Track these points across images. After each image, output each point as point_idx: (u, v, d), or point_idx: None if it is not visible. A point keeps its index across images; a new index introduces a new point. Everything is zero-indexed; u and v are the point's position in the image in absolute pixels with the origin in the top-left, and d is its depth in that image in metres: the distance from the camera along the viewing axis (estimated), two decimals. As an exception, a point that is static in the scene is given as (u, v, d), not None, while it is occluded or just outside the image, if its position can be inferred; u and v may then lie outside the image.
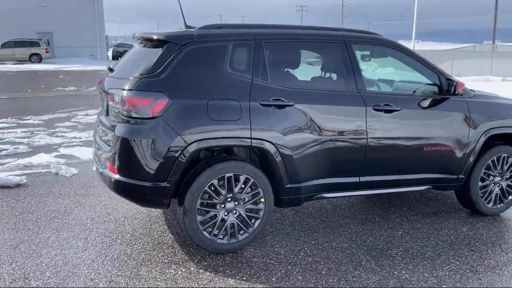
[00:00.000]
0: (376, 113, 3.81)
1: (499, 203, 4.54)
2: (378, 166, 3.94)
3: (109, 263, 3.36)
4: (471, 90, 4.41)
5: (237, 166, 3.43)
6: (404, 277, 3.28)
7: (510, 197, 4.59)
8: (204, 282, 3.13)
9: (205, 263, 3.39)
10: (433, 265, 3.46)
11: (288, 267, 3.37)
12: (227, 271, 3.29)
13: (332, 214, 4.45)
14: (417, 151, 4.04)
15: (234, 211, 3.50)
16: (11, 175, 5.35)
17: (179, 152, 3.25)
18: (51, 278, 3.12)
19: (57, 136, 8.07)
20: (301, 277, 3.23)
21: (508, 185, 4.56)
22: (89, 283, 3.07)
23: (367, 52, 4.28)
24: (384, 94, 4.04)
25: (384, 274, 3.31)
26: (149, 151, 3.24)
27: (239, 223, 3.52)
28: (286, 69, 3.88)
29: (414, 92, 4.23)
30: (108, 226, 4.01)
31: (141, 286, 3.06)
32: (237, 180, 3.45)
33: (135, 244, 3.68)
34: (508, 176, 4.55)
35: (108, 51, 44.96)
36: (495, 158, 4.42)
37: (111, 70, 3.93)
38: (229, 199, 3.46)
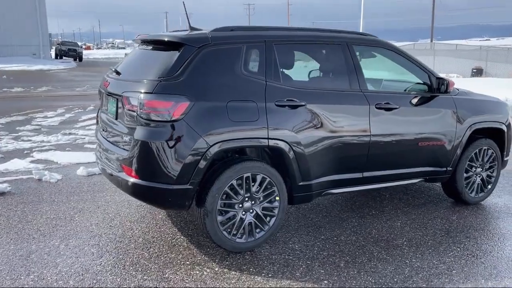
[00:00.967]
0: (378, 111, 4.01)
1: (480, 192, 4.91)
2: (379, 162, 4.15)
3: (131, 268, 3.32)
4: (456, 88, 4.73)
5: (254, 166, 3.50)
6: (416, 265, 3.49)
7: (489, 186, 4.97)
8: (232, 282, 3.18)
9: (227, 263, 3.44)
10: (438, 253, 3.71)
11: (308, 262, 3.49)
12: (251, 269, 3.35)
13: (331, 209, 4.62)
14: (413, 146, 4.29)
15: (251, 210, 3.57)
16: (-7, 183, 5.09)
17: (202, 154, 3.28)
18: (76, 287, 3.06)
19: (23, 141, 7.73)
20: (323, 271, 3.36)
21: (487, 175, 4.93)
22: (117, 289, 3.04)
23: (367, 53, 4.47)
24: (383, 93, 4.25)
25: (398, 263, 3.51)
26: (172, 154, 3.24)
27: (256, 221, 3.60)
28: (295, 70, 3.98)
29: (405, 90, 4.48)
30: (116, 231, 3.95)
31: (171, 289, 3.07)
32: (254, 180, 3.52)
33: (150, 247, 3.65)
34: (488, 167, 4.92)
35: (51, 50, 43.07)
36: (477, 150, 4.77)
37: (117, 72, 3.86)
38: (246, 199, 3.53)
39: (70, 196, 4.86)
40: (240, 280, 3.20)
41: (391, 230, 4.15)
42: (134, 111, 3.35)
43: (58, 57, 40.27)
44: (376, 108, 4.00)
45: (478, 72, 25.55)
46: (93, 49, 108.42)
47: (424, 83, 4.44)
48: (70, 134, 8.40)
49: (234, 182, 3.43)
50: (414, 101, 4.27)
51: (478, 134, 4.79)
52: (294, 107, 3.62)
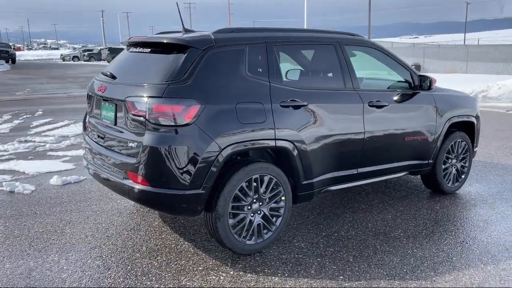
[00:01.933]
0: (370, 108, 4.15)
1: (455, 182, 5.21)
2: (371, 158, 4.29)
3: (144, 278, 3.22)
4: None
5: (262, 167, 3.50)
6: (418, 255, 3.65)
7: (463, 176, 5.30)
8: (251, 284, 3.17)
9: (240, 266, 3.42)
10: (434, 241, 3.90)
11: (318, 259, 3.55)
12: (266, 271, 3.36)
13: (324, 206, 4.72)
14: (401, 141, 4.48)
15: (259, 212, 3.58)
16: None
17: (214, 157, 3.24)
18: (92, 302, 2.92)
19: (-24, 151, 7.21)
20: (335, 267, 3.43)
21: (461, 166, 5.25)
22: (136, 301, 2.94)
23: (355, 53, 4.59)
24: (374, 91, 4.39)
25: (401, 254, 3.65)
26: (184, 159, 3.17)
27: (264, 222, 3.61)
28: (294, 71, 4.03)
29: (388, 88, 4.67)
30: (116, 242, 3.80)
31: (192, 297, 3.01)
32: (262, 181, 3.53)
33: (157, 256, 3.56)
34: (461, 158, 5.23)
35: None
36: (453, 143, 5.06)
37: (112, 76, 3.70)
38: (254, 200, 3.53)
39: (52, 207, 4.61)
40: (259, 281, 3.20)
41: (384, 222, 4.31)
42: (141, 116, 3.24)
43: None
44: (369, 106, 4.14)
45: (416, 69, 26.85)
46: (23, 50, 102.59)
47: (406, 81, 4.64)
48: (26, 141, 7.93)
49: (243, 184, 3.42)
50: (400, 98, 4.45)
51: (453, 127, 5.08)
52: (297, 107, 3.66)
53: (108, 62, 45.22)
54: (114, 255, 3.56)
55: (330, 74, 4.10)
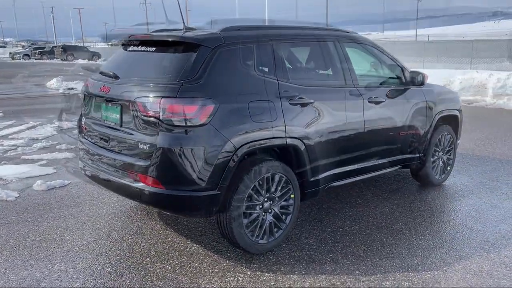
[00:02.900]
0: (370, 105, 4.22)
1: (442, 174, 5.40)
2: (370, 153, 4.37)
3: (161, 283, 3.14)
4: None
5: (273, 166, 3.49)
6: (424, 246, 3.76)
7: (448, 168, 5.49)
8: (271, 283, 3.16)
9: (256, 266, 3.40)
10: (435, 232, 4.02)
11: (330, 255, 3.58)
12: (282, 269, 3.36)
13: (322, 202, 4.76)
14: (396, 136, 4.59)
15: (270, 210, 3.57)
16: None
17: (230, 157, 3.19)
18: (113, 311, 2.82)
19: None
20: (348, 262, 3.47)
21: (447, 158, 5.44)
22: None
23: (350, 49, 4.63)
24: (371, 87, 4.45)
25: (408, 246, 3.74)
26: (200, 160, 3.11)
27: (275, 221, 3.60)
28: (299, 68, 4.03)
29: (380, 84, 4.75)
30: (121, 247, 3.68)
31: (214, 299, 2.96)
32: (273, 179, 3.52)
33: (168, 259, 3.47)
34: (447, 150, 5.42)
35: None
36: (440, 136, 5.23)
37: (115, 76, 3.56)
38: (265, 199, 3.51)
39: (43, 214, 4.40)
40: (278, 281, 3.19)
41: (384, 216, 4.40)
42: (153, 117, 3.14)
43: None
44: (369, 102, 4.21)
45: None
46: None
47: (399, 77, 4.75)
48: (-6, 145, 7.53)
49: (256, 183, 3.40)
50: (395, 94, 4.55)
51: (439, 121, 5.25)
52: (304, 104, 3.67)
53: (63, 60, 43.60)
54: (124, 261, 3.44)
55: (332, 71, 4.13)
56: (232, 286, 3.11)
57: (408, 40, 44.42)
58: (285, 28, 3.95)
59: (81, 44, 64.60)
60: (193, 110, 3.09)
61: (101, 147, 3.66)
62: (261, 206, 3.48)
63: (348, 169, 4.19)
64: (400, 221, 4.27)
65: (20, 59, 48.31)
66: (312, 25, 4.35)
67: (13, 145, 7.53)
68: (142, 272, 3.27)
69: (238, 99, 3.29)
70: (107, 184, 3.66)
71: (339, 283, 3.17)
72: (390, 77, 4.73)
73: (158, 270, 3.31)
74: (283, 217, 3.66)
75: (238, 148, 3.22)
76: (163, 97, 3.10)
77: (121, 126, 3.44)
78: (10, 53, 53.31)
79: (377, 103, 4.29)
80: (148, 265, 3.38)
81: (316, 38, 4.09)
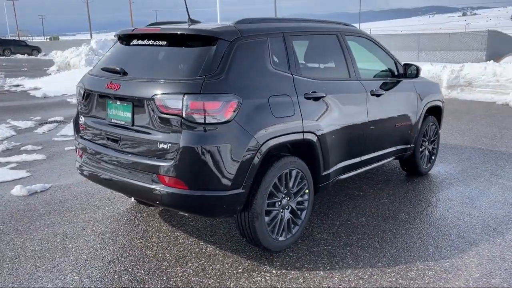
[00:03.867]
0: (372, 97, 4.26)
1: (428, 164, 5.57)
2: (372, 145, 4.41)
3: (188, 288, 3.00)
4: None
5: (291, 162, 3.43)
6: (433, 235, 3.85)
7: (433, 157, 5.68)
8: (300, 281, 3.11)
9: (278, 264, 3.34)
10: (440, 221, 4.13)
11: (348, 249, 3.58)
12: (306, 266, 3.32)
13: (321, 196, 4.76)
14: (393, 127, 4.67)
15: (287, 207, 3.51)
16: None
17: (254, 154, 3.10)
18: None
19: None
20: (368, 255, 3.49)
21: (432, 148, 5.62)
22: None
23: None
24: (371, 80, 4.48)
25: (419, 236, 3.81)
26: (226, 158, 2.99)
27: (292, 217, 3.55)
28: (309, 62, 3.97)
29: (374, 76, 4.81)
30: (133, 252, 3.49)
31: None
32: (290, 175, 3.46)
33: (187, 262, 3.33)
34: (432, 140, 5.60)
35: None
36: (427, 127, 5.39)
37: (124, 73, 3.34)
38: (283, 196, 3.45)
39: (33, 221, 4.09)
40: (306, 278, 3.15)
41: (385, 207, 4.47)
42: (175, 115, 2.98)
43: None
44: (371, 94, 4.24)
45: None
46: None
47: (392, 69, 4.82)
48: (-50, 148, 6.95)
49: (276, 180, 3.33)
50: (392, 86, 4.62)
51: (426, 112, 5.40)
52: (317, 98, 3.63)
53: (-1, 55, 40.98)
54: (140, 267, 3.26)
55: (338, 64, 4.12)
56: (262, 286, 3.03)
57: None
58: (293, 21, 3.88)
59: (18, 38, 60.92)
60: (217, 106, 2.97)
61: (107, 147, 3.44)
62: (279, 203, 3.42)
63: (353, 162, 4.21)
64: (402, 211, 4.36)
65: None
66: (314, 18, 4.30)
67: (-28, 148, 6.97)
68: (164, 278, 3.12)
69: (259, 94, 3.20)
70: (111, 184, 3.47)
71: (366, 276, 3.17)
72: (385, 70, 4.79)
73: (180, 274, 3.17)
74: (299, 213, 3.62)
75: (262, 145, 3.13)
76: (185, 93, 2.95)
77: (132, 125, 3.24)
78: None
79: (377, 95, 4.34)
80: (168, 270, 3.22)
81: (322, 31, 4.07)
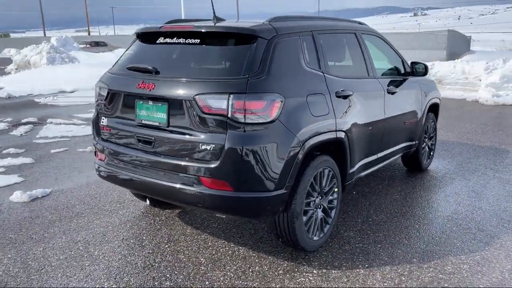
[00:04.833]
0: (388, 95, 4.32)
1: (428, 159, 5.72)
2: (386, 142, 4.47)
3: (235, 292, 2.93)
4: None
5: (324, 161, 3.42)
6: (455, 229, 3.94)
7: (432, 153, 5.83)
8: (344, 280, 3.11)
9: (317, 263, 3.32)
10: (455, 215, 4.23)
11: (379, 246, 3.61)
12: (345, 265, 3.31)
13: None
14: (403, 124, 4.75)
15: (320, 206, 3.50)
16: None
17: (296, 153, 3.06)
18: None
19: None
20: (400, 251, 3.53)
21: (431, 144, 5.77)
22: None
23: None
24: (385, 78, 4.53)
25: (442, 231, 3.90)
26: (272, 159, 2.94)
27: (324, 216, 3.55)
28: (335, 60, 3.96)
29: (390, 75, 4.84)
30: (164, 257, 3.37)
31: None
32: (323, 174, 3.45)
33: (225, 266, 3.26)
34: (430, 136, 5.74)
35: None
36: (428, 123, 5.53)
37: (156, 72, 3.20)
38: (317, 195, 3.44)
39: (47, 228, 3.88)
40: (349, 277, 3.15)
41: (400, 203, 4.54)
42: (219, 115, 2.89)
43: None
44: (387, 92, 4.30)
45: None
46: None
47: (400, 68, 4.90)
48: None
49: (312, 179, 3.31)
50: (402, 84, 4.70)
51: (428, 109, 5.53)
52: (346, 97, 3.64)
53: None
54: (178, 273, 3.16)
55: (358, 62, 4.14)
56: (308, 287, 3.01)
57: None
58: (319, 19, 3.87)
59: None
60: (262, 105, 2.91)
61: (137, 149, 3.30)
62: (314, 202, 3.40)
63: (372, 159, 4.25)
64: (417, 207, 4.44)
65: None
66: (336, 17, 4.31)
67: None
68: (207, 282, 3.03)
69: (297, 92, 3.17)
70: (141, 187, 3.35)
71: (406, 272, 3.21)
72: (395, 68, 4.86)
73: (221, 278, 3.09)
74: (330, 211, 3.61)
75: (303, 144, 3.10)
76: (231, 93, 2.87)
77: (168, 126, 3.12)
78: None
79: (392, 93, 4.40)
80: (208, 274, 3.14)
81: (344, 30, 4.07)
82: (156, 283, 3.02)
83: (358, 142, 3.84)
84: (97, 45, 34.01)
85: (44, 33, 54.62)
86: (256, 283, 3.03)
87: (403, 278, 3.13)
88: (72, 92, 14.16)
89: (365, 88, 3.98)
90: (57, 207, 4.37)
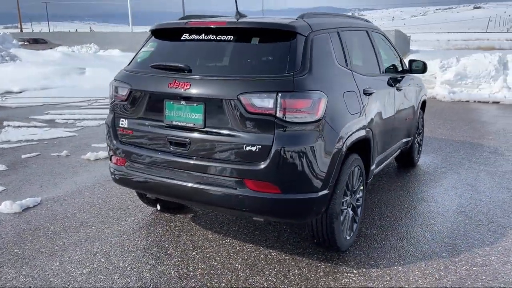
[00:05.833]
0: (397, 92, 4.37)
1: (418, 155, 5.88)
2: (393, 138, 4.52)
3: (285, 297, 2.83)
4: None
5: (356, 159, 3.39)
6: (468, 222, 4.04)
7: (420, 149, 6.00)
8: (387, 278, 3.09)
9: (353, 263, 3.28)
10: (464, 208, 4.35)
11: (405, 242, 3.63)
12: (381, 262, 3.30)
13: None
14: (404, 121, 4.83)
15: (350, 205, 3.47)
16: None
17: (339, 152, 3.01)
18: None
19: None
20: (427, 246, 3.57)
21: (420, 140, 5.93)
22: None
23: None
24: (391, 75, 4.57)
25: (457, 225, 3.98)
26: (319, 159, 2.86)
27: (354, 214, 3.52)
28: (357, 57, 3.93)
29: (393, 72, 4.89)
30: (198, 265, 3.20)
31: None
32: (354, 172, 3.42)
33: (263, 270, 3.14)
34: (419, 132, 5.90)
35: None
36: (419, 120, 5.68)
37: (189, 70, 3.01)
38: (348, 193, 3.41)
39: (53, 241, 3.57)
40: (391, 275, 3.13)
41: (406, 199, 4.62)
42: (266, 115, 2.76)
43: None
44: (397, 90, 4.35)
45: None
46: None
47: (394, 65, 4.98)
48: None
49: (347, 178, 3.27)
50: (404, 81, 4.77)
51: (420, 106, 5.67)
52: (370, 94, 3.63)
53: None
54: (219, 281, 3.00)
55: (373, 60, 4.15)
56: (354, 287, 2.96)
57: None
58: (339, 16, 3.84)
59: None
60: (309, 104, 2.82)
61: (168, 152, 3.10)
62: (346, 201, 3.37)
63: (383, 156, 4.28)
64: (424, 202, 4.54)
65: None
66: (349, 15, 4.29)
67: None
68: (243, 285, 2.91)
69: (336, 90, 3.11)
70: (171, 192, 3.15)
71: (442, 267, 3.25)
72: (396, 65, 4.94)
73: (265, 284, 2.97)
74: (357, 210, 3.60)
75: (344, 143, 3.05)
76: (279, 92, 2.75)
77: (204, 126, 2.95)
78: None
79: (399, 90, 4.46)
80: (249, 280, 3.01)
81: (359, 27, 4.07)
82: (199, 293, 2.86)
83: (378, 139, 3.85)
84: (36, 42, 32.26)
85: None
86: (303, 287, 2.95)
87: (442, 273, 3.16)
88: (20, 92, 13.25)
89: (382, 85, 4.01)
90: (55, 217, 4.03)
